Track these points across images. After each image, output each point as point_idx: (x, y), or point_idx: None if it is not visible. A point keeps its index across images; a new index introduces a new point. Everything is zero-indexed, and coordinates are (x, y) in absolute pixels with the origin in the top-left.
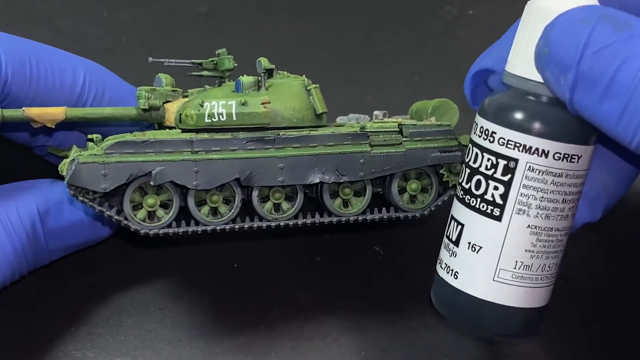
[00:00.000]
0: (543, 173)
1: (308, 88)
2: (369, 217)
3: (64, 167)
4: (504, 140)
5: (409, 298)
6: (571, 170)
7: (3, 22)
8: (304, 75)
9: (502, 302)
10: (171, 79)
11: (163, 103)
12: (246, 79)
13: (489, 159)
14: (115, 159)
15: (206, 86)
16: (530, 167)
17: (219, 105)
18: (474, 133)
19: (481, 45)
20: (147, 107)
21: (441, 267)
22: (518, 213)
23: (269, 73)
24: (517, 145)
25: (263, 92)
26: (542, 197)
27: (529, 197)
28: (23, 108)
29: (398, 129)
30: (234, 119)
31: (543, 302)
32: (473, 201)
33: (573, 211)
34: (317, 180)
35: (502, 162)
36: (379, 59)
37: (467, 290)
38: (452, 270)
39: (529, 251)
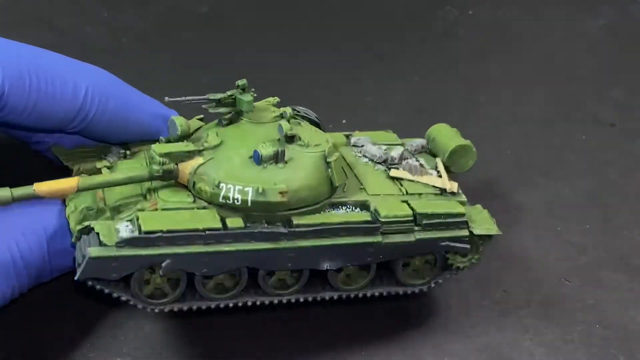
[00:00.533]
0: None
1: (328, 160)
2: (369, 292)
3: (72, 216)
4: None
5: None
6: None
7: (3, 23)
8: (327, 140)
9: None
10: (186, 124)
11: (177, 164)
12: (265, 152)
13: None
14: (126, 253)
15: (222, 121)
16: None
17: (235, 189)
18: None
19: (481, 45)
20: (161, 174)
21: None
22: None
23: (290, 139)
24: None
25: (281, 166)
26: None
27: None
28: (34, 187)
29: (412, 218)
30: (249, 205)
31: None
32: None
33: None
34: (324, 267)
35: None
36: (379, 59)
37: None
38: None
39: None
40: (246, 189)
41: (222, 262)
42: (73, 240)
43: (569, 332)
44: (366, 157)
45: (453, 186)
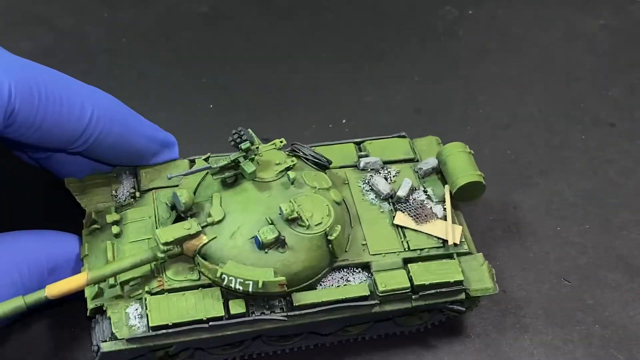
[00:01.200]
0: None
1: (330, 239)
2: (367, 336)
3: (87, 288)
4: None
5: None
6: None
7: (3, 23)
8: (328, 217)
9: None
10: (190, 198)
11: (181, 244)
12: (266, 239)
13: None
14: (136, 345)
15: (227, 180)
16: None
17: (236, 281)
18: None
19: (481, 46)
20: (166, 259)
21: None
22: None
23: (292, 221)
24: None
25: (282, 251)
26: None
27: None
28: (45, 291)
29: (410, 289)
30: (250, 292)
31: None
32: None
33: None
34: (325, 332)
35: None
36: (379, 59)
37: None
38: None
39: None
40: (247, 282)
41: (226, 339)
42: (88, 314)
43: (568, 332)
44: (373, 190)
45: (456, 235)
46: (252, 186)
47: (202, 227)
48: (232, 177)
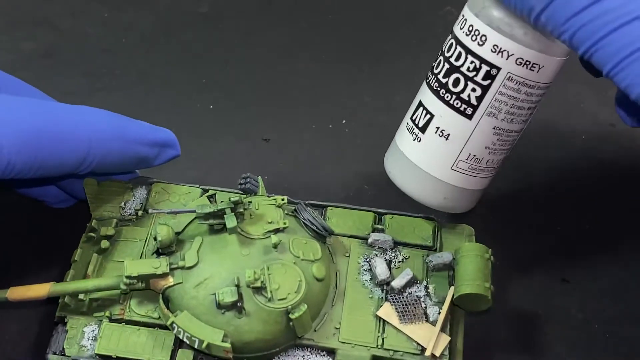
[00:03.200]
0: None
1: (292, 317)
2: None
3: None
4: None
5: None
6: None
7: (3, 23)
8: (296, 294)
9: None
10: (167, 234)
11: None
12: (223, 299)
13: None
14: None
15: (215, 226)
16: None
17: (184, 334)
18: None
19: None
20: (127, 291)
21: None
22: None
23: (255, 289)
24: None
25: (239, 317)
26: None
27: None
28: (7, 293)
29: None
30: (196, 347)
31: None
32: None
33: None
34: None
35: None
36: (379, 59)
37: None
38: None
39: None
40: (193, 338)
41: None
42: (54, 320)
43: (569, 332)
44: (371, 271)
45: (438, 347)
46: (234, 239)
47: (172, 269)
48: (219, 224)
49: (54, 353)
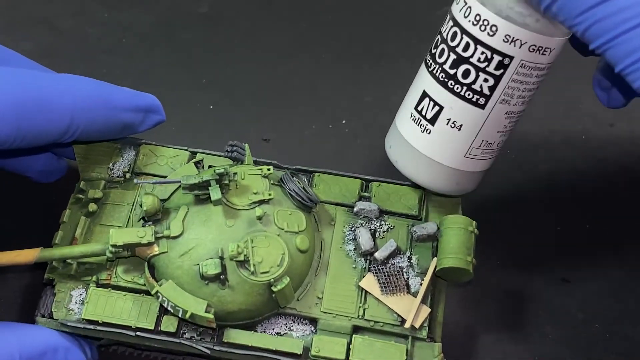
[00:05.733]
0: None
1: (274, 290)
2: None
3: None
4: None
5: None
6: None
7: (3, 23)
8: (278, 267)
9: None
10: (152, 204)
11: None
12: (206, 271)
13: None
14: (67, 330)
15: (201, 196)
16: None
17: (168, 303)
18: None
19: None
20: (113, 259)
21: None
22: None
23: (241, 264)
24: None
25: (222, 288)
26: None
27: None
28: None
29: None
30: (180, 317)
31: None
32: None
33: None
34: None
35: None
36: (379, 59)
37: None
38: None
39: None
40: (177, 308)
41: (155, 349)
42: (43, 282)
43: (568, 332)
44: (356, 240)
45: (418, 318)
46: (220, 210)
47: (157, 238)
48: (204, 194)
49: (42, 316)
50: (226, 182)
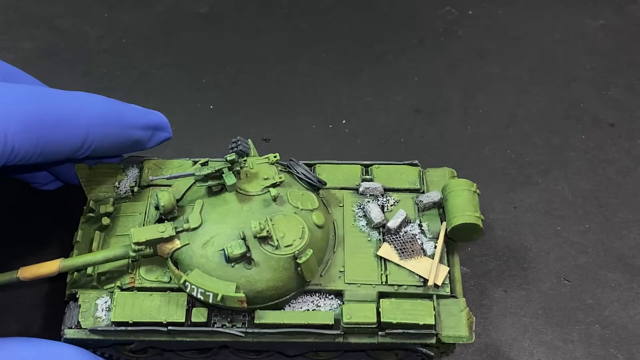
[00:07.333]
0: None
1: (299, 262)
2: None
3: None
4: None
5: None
6: None
7: (3, 23)
8: (301, 239)
9: None
10: (169, 200)
11: (156, 244)
12: (232, 254)
13: None
14: (98, 337)
15: (213, 188)
16: None
17: (197, 291)
18: None
19: (481, 46)
20: (137, 258)
21: None
22: None
23: (262, 239)
24: None
25: (249, 267)
26: None
27: None
28: (18, 273)
29: (376, 325)
30: (210, 302)
31: None
32: None
33: None
34: (289, 354)
35: None
36: (379, 59)
37: None
38: None
39: None
40: (207, 293)
41: (189, 345)
42: (65, 299)
43: (568, 331)
44: (366, 216)
45: (439, 276)
46: (234, 198)
47: (177, 232)
48: (217, 185)
49: (70, 327)
50: (237, 169)
